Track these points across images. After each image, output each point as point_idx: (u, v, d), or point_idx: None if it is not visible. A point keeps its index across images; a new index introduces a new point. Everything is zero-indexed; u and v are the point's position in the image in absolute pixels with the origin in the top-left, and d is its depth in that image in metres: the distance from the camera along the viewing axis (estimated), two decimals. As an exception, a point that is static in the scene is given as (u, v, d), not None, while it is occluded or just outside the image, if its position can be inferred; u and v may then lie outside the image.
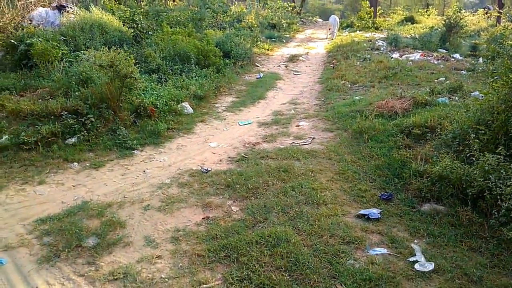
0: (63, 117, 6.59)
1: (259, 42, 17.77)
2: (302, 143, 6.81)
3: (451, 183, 4.59)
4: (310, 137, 7.07)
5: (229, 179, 5.39)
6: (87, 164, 5.96)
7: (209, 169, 5.82)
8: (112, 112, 7.10)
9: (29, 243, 4.04)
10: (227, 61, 12.73)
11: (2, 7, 10.97)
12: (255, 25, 20.38)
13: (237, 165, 5.97)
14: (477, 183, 4.25)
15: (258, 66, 14.37)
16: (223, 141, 7.09)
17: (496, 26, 20.01)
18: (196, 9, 17.92)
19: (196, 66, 10.86)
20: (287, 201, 4.78)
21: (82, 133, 6.57)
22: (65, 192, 5.15)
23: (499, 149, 4.41)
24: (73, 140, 6.47)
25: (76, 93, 7.15)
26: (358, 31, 24.25)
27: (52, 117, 6.69)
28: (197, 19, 15.92)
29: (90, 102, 6.99)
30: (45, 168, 5.75)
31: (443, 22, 17.01)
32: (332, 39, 21.22)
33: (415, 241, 4.03)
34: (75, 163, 5.94)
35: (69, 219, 4.42)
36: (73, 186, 5.33)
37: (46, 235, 4.16)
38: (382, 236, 4.13)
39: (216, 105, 9.49)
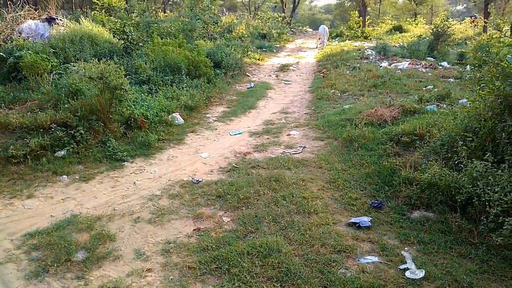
0: (52, 129, 6.54)
1: (250, 52, 17.91)
2: (293, 152, 6.83)
3: (440, 190, 4.63)
4: (301, 146, 7.10)
5: (220, 190, 5.37)
6: (77, 177, 5.90)
7: (200, 179, 5.80)
8: (102, 124, 7.07)
9: (17, 258, 3.97)
10: (218, 71, 12.79)
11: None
12: (246, 36, 20.55)
13: (228, 175, 5.96)
14: (466, 189, 4.30)
15: (249, 76, 14.45)
16: (214, 151, 7.08)
17: (482, 34, 20.37)
18: (186, 20, 18.00)
19: (187, 77, 10.89)
20: (278, 210, 4.77)
21: (72, 146, 6.52)
22: (54, 206, 5.09)
23: (487, 155, 4.47)
24: (62, 152, 6.42)
25: (66, 105, 7.09)
26: (347, 41, 24.60)
27: (41, 129, 6.63)
28: (188, 30, 16.01)
29: (80, 114, 6.94)
30: (34, 182, 5.69)
31: (431, 31, 17.29)
32: (322, 49, 21.48)
33: (406, 248, 4.05)
34: (64, 176, 5.89)
35: (58, 233, 4.36)
36: (62, 199, 5.27)
37: (35, 250, 4.09)
38: (373, 244, 4.14)
39: (207, 115, 9.50)
